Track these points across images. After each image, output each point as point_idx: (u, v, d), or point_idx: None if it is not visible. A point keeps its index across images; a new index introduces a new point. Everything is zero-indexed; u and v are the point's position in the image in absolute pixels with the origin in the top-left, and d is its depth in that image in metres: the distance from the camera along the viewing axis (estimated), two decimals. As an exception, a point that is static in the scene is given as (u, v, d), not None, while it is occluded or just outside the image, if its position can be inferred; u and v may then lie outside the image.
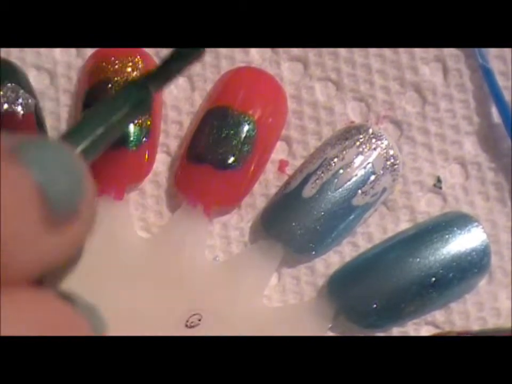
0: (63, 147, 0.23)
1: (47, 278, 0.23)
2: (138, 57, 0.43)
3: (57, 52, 0.46)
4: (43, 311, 0.22)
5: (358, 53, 0.45)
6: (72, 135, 0.30)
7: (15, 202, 0.21)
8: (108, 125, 0.31)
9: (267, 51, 0.46)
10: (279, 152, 0.44)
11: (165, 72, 0.36)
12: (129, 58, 0.43)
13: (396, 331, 0.42)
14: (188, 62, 0.36)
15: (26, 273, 0.21)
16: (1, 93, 0.42)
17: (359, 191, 0.42)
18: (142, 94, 0.35)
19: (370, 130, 0.42)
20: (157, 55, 0.45)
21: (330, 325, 0.42)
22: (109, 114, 0.32)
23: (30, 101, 0.43)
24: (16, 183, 0.21)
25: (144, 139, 0.42)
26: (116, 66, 0.43)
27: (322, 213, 0.42)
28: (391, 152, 0.42)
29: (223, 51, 0.45)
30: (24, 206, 0.21)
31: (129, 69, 0.43)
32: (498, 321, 0.43)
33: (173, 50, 0.36)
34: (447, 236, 0.41)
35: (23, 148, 0.22)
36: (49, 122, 0.44)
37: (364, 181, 0.42)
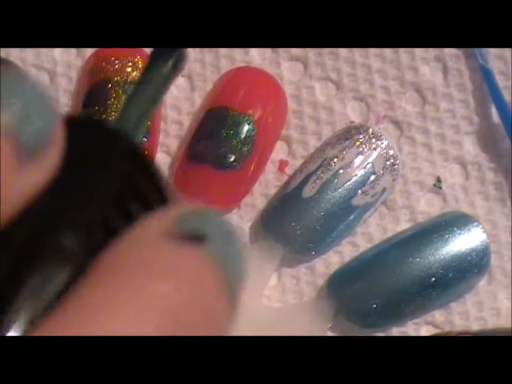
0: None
1: None
2: (138, 57, 0.43)
3: (57, 52, 0.46)
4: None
5: (358, 53, 0.45)
6: (122, 117, 0.30)
7: None
8: (150, 98, 0.31)
9: (267, 51, 0.46)
10: (279, 152, 0.44)
11: None
12: (129, 58, 0.43)
13: (395, 331, 0.42)
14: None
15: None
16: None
17: (359, 191, 0.42)
18: (175, 53, 0.34)
19: (370, 130, 0.42)
20: (157, 55, 0.45)
21: (330, 325, 0.42)
22: (149, 86, 0.31)
23: (30, 100, 0.43)
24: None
25: (143, 139, 0.42)
26: (116, 66, 0.43)
27: (322, 213, 0.42)
28: (391, 152, 0.42)
29: (223, 51, 0.45)
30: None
31: (129, 69, 0.43)
32: (498, 321, 0.43)
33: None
34: (447, 236, 0.41)
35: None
36: (49, 122, 0.44)
37: (363, 181, 0.42)
